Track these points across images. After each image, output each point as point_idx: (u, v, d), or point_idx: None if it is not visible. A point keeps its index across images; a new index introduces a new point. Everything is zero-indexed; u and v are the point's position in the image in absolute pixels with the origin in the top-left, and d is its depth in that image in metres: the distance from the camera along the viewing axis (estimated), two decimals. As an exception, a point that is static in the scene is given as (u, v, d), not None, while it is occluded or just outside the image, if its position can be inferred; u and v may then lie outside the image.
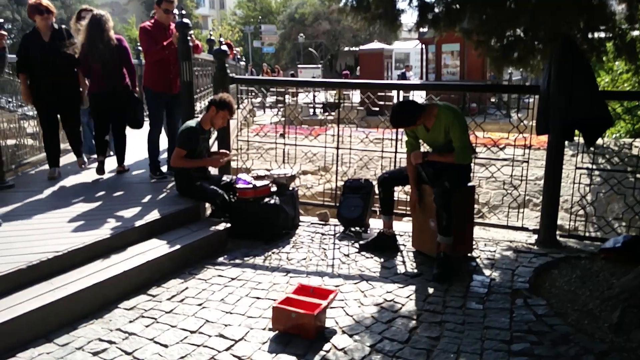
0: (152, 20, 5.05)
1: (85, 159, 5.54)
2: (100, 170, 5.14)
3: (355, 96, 16.42)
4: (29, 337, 2.61)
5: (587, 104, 3.69)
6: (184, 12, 4.96)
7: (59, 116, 5.25)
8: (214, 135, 5.20)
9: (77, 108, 5.24)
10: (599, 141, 4.23)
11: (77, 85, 5.19)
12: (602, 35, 4.28)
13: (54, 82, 4.93)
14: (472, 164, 3.97)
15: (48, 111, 5.11)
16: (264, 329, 2.78)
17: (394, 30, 4.33)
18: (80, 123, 5.52)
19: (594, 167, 4.50)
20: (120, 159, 5.39)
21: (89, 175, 5.27)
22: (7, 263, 2.92)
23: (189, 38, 4.62)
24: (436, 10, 4.22)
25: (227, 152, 4.73)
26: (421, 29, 4.71)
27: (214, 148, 5.25)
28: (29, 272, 2.92)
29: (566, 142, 4.14)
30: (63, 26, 5.08)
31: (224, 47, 5.28)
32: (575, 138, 4.07)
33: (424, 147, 3.99)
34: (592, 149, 4.28)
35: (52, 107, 5.09)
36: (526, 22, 4.07)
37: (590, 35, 4.20)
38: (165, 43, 4.82)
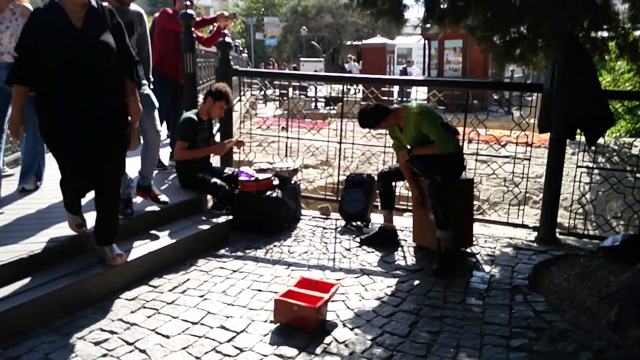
0: (172, 10, 5.14)
1: None
2: None
3: (356, 90, 16.38)
4: (30, 326, 2.62)
5: (590, 103, 3.70)
6: (188, 2, 4.97)
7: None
8: (216, 126, 5.20)
9: (124, 147, 3.03)
10: (600, 140, 4.24)
11: (125, 108, 2.98)
12: (605, 34, 4.29)
13: (88, 101, 2.74)
14: (475, 161, 3.99)
15: (74, 152, 2.83)
16: (266, 321, 2.81)
17: (400, 26, 4.35)
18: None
19: (594, 165, 4.52)
20: None
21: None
22: (9, 252, 2.93)
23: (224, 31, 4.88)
24: (442, 6, 4.22)
25: (231, 139, 4.75)
26: (426, 25, 4.72)
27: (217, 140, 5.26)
28: (30, 260, 2.94)
29: (567, 141, 4.16)
30: (105, 3, 2.89)
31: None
32: (577, 137, 4.09)
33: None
34: (592, 147, 4.30)
35: (81, 144, 2.81)
36: (531, 20, 4.08)
37: (593, 34, 4.22)
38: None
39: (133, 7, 3.67)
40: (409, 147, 3.87)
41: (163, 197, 3.86)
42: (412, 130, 3.71)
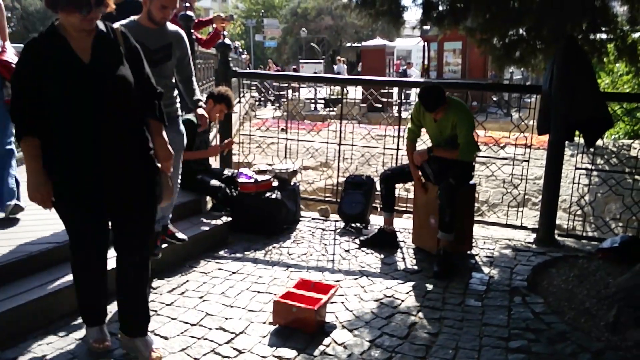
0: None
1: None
2: None
3: (355, 92, 16.41)
4: (29, 328, 2.61)
5: (589, 105, 3.71)
6: (187, 4, 4.97)
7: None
8: (215, 129, 5.21)
9: (154, 205, 2.42)
10: (599, 142, 4.25)
11: (150, 153, 2.36)
12: (604, 36, 4.30)
13: (105, 151, 2.21)
14: (473, 162, 3.99)
15: (89, 214, 2.31)
16: (265, 323, 2.81)
17: (398, 27, 4.36)
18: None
19: (593, 167, 4.52)
20: None
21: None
22: (8, 253, 2.93)
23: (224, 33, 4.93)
24: (440, 8, 4.24)
25: (231, 140, 4.75)
26: (424, 27, 4.73)
27: (216, 143, 5.26)
28: (29, 262, 2.93)
29: (566, 142, 4.16)
30: (116, 25, 2.34)
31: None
32: (575, 138, 4.10)
33: (423, 139, 4.00)
34: (591, 149, 4.31)
35: (100, 206, 2.32)
36: (530, 22, 4.10)
37: (592, 36, 4.23)
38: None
39: (170, 26, 3.22)
40: (426, 141, 3.81)
41: (181, 235, 3.52)
42: (449, 124, 3.62)
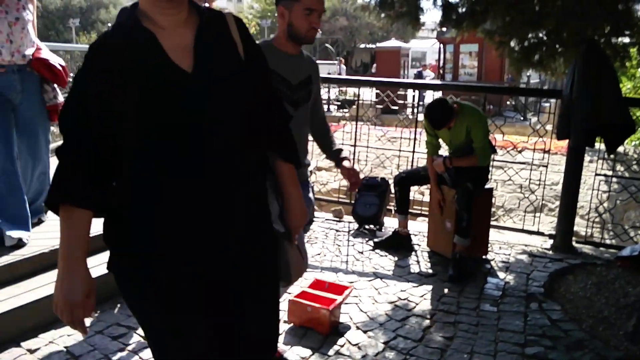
0: None
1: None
2: None
3: (367, 94, 16.38)
4: (50, 319, 2.64)
5: (611, 110, 3.66)
6: (206, 4, 5.00)
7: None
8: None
9: (277, 298, 1.56)
10: (619, 148, 4.20)
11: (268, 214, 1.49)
12: (627, 40, 4.24)
13: (214, 214, 1.28)
14: (490, 166, 3.97)
15: (205, 322, 1.31)
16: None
17: (417, 29, 4.34)
18: None
19: (613, 174, 4.47)
20: None
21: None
22: (34, 246, 2.98)
23: None
24: (460, 10, 4.21)
25: None
26: (443, 29, 4.71)
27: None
28: (51, 255, 2.97)
29: (585, 148, 4.11)
30: (227, 10, 1.59)
31: None
32: (596, 144, 4.04)
33: (443, 147, 3.98)
34: (611, 155, 4.25)
35: (207, 303, 1.32)
36: (550, 25, 4.05)
37: (614, 40, 4.17)
38: None
39: (303, 51, 2.30)
40: (443, 147, 3.80)
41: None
42: (463, 130, 3.60)
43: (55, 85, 3.18)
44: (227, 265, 1.31)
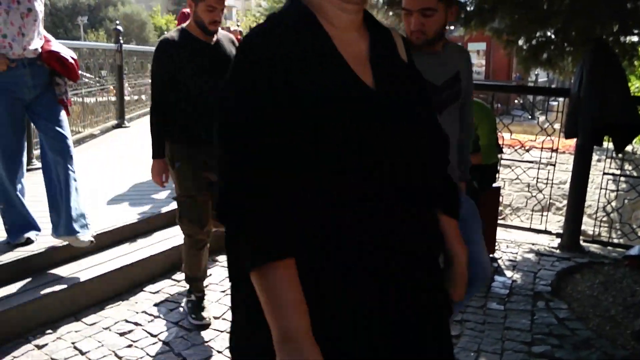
0: None
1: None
2: None
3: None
4: (58, 315, 2.69)
5: (620, 109, 3.65)
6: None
7: None
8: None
9: None
10: (627, 147, 4.19)
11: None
12: (635, 39, 4.22)
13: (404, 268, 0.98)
14: (498, 165, 3.96)
15: None
16: (286, 319, 2.83)
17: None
18: None
19: (621, 173, 4.45)
20: None
21: (116, 162, 5.37)
22: (42, 243, 3.01)
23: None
24: (468, 9, 4.20)
25: None
26: (450, 27, 4.70)
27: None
28: (59, 252, 3.01)
29: (593, 147, 4.10)
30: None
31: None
32: (604, 143, 4.03)
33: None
34: (619, 154, 4.24)
35: None
36: (558, 24, 4.04)
37: (622, 39, 4.15)
38: None
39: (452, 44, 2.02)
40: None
41: None
42: None
43: (66, 80, 2.96)
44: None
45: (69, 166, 2.84)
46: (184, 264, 2.81)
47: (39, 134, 2.93)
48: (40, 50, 2.82)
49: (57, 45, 2.91)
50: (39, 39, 2.85)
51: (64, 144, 2.84)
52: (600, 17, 3.79)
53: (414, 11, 1.82)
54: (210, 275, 3.34)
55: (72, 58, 2.92)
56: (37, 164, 4.86)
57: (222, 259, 3.62)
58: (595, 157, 6.26)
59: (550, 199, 5.25)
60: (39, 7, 2.84)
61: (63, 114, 2.91)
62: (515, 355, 2.55)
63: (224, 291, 3.13)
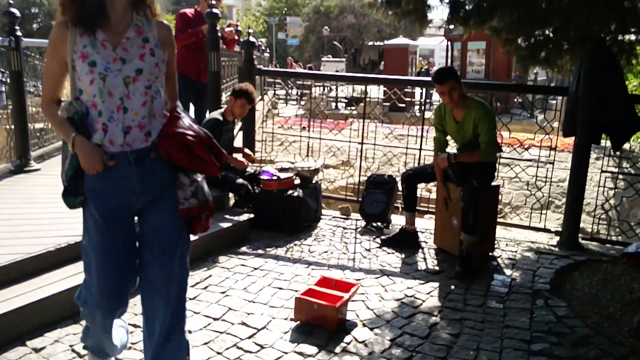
0: (194, 8, 5.15)
1: None
2: None
3: (379, 91, 16.35)
4: (57, 317, 2.69)
5: (618, 107, 3.66)
6: (213, 1, 5.02)
7: None
8: (238, 125, 5.26)
9: None
10: (625, 145, 4.19)
11: None
12: (633, 37, 4.23)
13: None
14: (497, 163, 3.97)
15: None
16: (286, 319, 2.84)
17: (424, 26, 4.34)
18: None
19: (619, 171, 4.46)
20: None
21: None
22: (36, 245, 3.01)
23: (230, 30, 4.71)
24: (467, 8, 4.21)
25: (251, 153, 4.76)
26: (450, 26, 4.71)
27: (239, 139, 5.32)
28: (57, 254, 3.01)
29: (591, 145, 4.11)
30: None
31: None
32: (602, 142, 4.04)
33: (451, 144, 3.99)
34: (617, 152, 4.25)
35: None
36: (557, 22, 4.04)
37: (620, 38, 4.16)
38: (190, 30, 4.88)
39: None
40: (451, 144, 3.81)
41: None
42: (470, 124, 3.62)
43: (199, 176, 1.93)
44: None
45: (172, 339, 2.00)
46: None
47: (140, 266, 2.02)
48: (156, 135, 1.83)
49: (184, 121, 1.86)
50: (159, 117, 1.85)
51: (176, 294, 1.99)
52: (599, 16, 3.79)
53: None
54: (210, 276, 3.36)
55: (206, 142, 1.85)
56: (35, 164, 4.89)
57: (222, 259, 3.64)
58: (593, 155, 6.26)
59: (549, 197, 5.25)
60: (160, 67, 1.82)
61: (187, 240, 2.05)
62: (514, 353, 2.57)
63: (223, 292, 3.14)
